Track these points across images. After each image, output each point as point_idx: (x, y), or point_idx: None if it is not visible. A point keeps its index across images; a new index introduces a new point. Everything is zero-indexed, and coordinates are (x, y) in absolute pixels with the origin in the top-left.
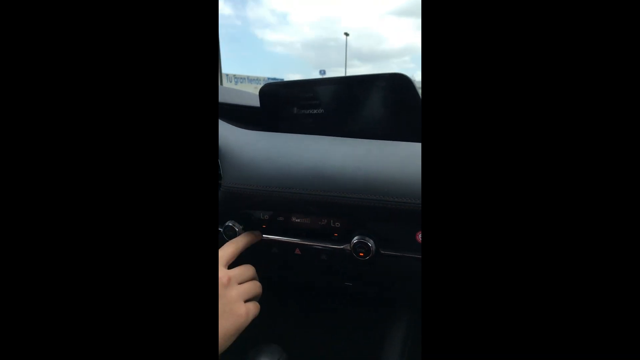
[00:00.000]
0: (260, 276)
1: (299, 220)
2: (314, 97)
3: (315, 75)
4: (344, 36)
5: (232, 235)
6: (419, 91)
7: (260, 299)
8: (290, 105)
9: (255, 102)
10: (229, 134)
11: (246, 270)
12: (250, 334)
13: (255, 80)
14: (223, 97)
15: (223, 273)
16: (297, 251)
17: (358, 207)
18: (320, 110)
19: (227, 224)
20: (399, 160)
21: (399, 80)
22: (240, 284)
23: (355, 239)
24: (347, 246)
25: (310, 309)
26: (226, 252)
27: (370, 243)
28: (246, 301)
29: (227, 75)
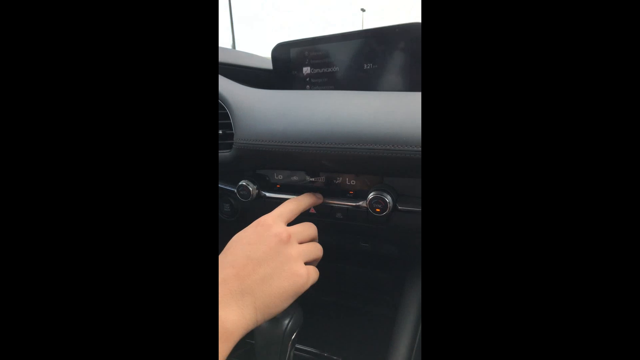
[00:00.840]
0: None
1: (313, 179)
2: (328, 55)
3: None
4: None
5: (247, 194)
6: None
7: None
8: (303, 65)
9: (268, 65)
10: (239, 91)
11: (308, 228)
12: None
13: None
14: (234, 59)
15: (282, 229)
16: (312, 210)
17: (374, 159)
18: (335, 68)
19: (241, 183)
20: (416, 109)
21: (415, 31)
22: (300, 243)
23: (371, 194)
24: (363, 203)
25: (325, 270)
26: (287, 208)
27: (388, 198)
28: (306, 264)
29: None
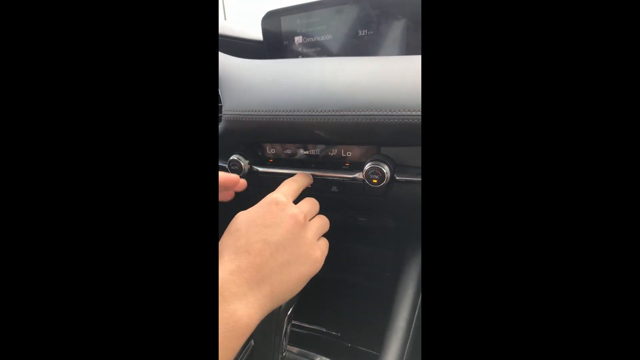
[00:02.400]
0: None
1: (307, 152)
2: (320, 22)
3: None
4: None
5: (238, 169)
6: None
7: None
8: (295, 34)
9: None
10: (228, 61)
11: (313, 204)
12: None
13: None
14: (222, 31)
15: (298, 210)
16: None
17: (371, 126)
18: (328, 36)
19: (232, 157)
20: (414, 73)
21: None
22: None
23: (368, 165)
24: (359, 174)
25: None
26: (291, 187)
27: (385, 169)
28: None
29: None
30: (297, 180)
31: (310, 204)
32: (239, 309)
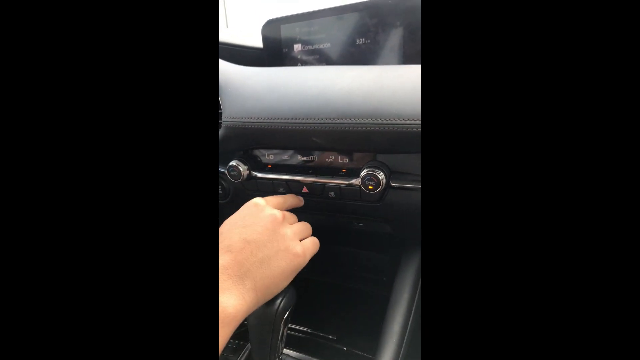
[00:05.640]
0: None
1: (305, 158)
2: (319, 31)
3: None
4: None
5: (237, 175)
6: None
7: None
8: (294, 42)
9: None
10: (228, 68)
11: (305, 226)
12: None
13: None
14: (223, 38)
15: (276, 210)
16: (305, 189)
17: (367, 134)
18: (327, 45)
19: (231, 163)
20: (410, 82)
21: (412, 2)
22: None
23: (364, 171)
24: (355, 180)
25: (319, 250)
26: (277, 198)
27: (380, 175)
28: (301, 240)
29: None
30: (284, 196)
31: (302, 225)
32: (224, 301)
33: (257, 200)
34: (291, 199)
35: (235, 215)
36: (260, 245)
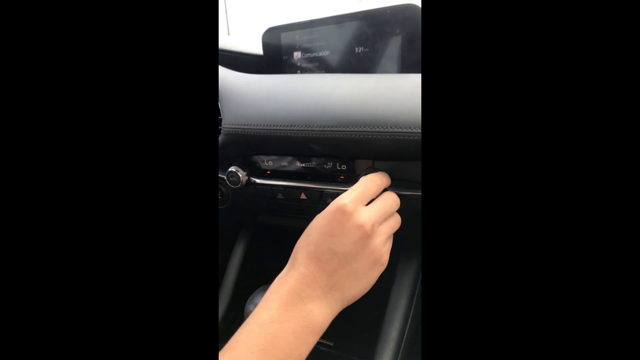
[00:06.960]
0: (267, 224)
1: (303, 165)
2: (319, 39)
3: None
4: None
5: (236, 181)
6: None
7: (268, 246)
8: (294, 50)
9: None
10: (228, 75)
11: (388, 202)
12: (259, 279)
13: None
14: (223, 45)
15: (365, 219)
16: (303, 196)
17: (365, 142)
18: (326, 53)
19: (230, 169)
20: (409, 91)
21: (408, 12)
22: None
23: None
24: None
25: None
26: (363, 188)
27: None
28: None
29: None
30: (374, 181)
31: (384, 203)
32: (314, 309)
33: (344, 204)
34: (384, 180)
35: (320, 219)
36: (350, 259)
